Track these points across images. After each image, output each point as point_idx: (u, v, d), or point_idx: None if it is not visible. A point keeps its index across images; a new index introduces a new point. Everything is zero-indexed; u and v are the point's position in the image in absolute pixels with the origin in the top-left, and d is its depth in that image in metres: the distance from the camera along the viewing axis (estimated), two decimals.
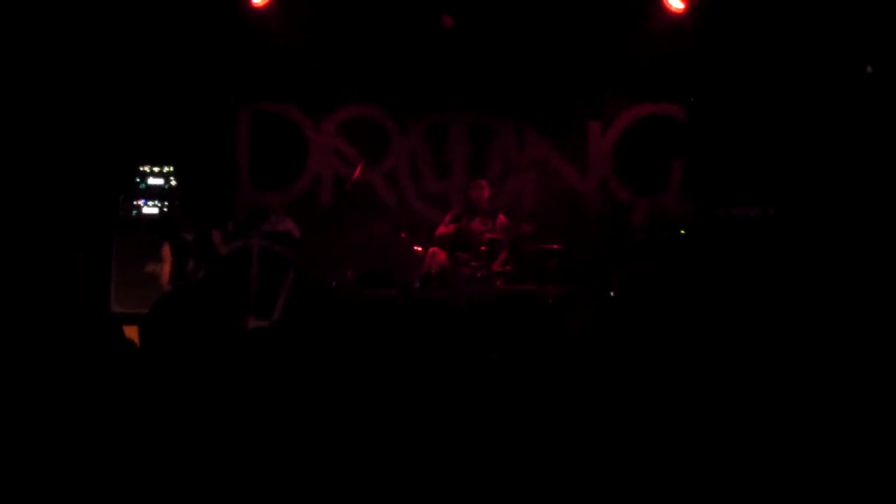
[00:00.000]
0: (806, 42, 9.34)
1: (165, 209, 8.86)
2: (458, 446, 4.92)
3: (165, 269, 8.09)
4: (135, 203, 9.07)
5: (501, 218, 9.53)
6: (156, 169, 9.25)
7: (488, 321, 7.60)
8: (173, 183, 9.25)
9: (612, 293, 9.12)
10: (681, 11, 9.44)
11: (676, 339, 7.13)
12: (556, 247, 9.29)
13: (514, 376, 5.90)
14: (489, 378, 6.10)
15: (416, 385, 5.75)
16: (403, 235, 9.45)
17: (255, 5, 9.51)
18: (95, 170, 9.34)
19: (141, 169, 9.13)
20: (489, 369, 6.47)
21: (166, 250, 8.13)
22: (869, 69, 8.54)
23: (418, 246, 9.40)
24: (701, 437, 5.00)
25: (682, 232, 9.60)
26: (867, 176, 8.63)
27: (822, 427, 5.10)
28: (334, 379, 6.06)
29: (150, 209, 9.09)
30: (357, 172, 9.65)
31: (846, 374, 6.09)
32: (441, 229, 9.52)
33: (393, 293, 8.97)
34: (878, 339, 6.69)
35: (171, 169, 9.28)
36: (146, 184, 9.21)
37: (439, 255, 9.19)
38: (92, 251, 9.08)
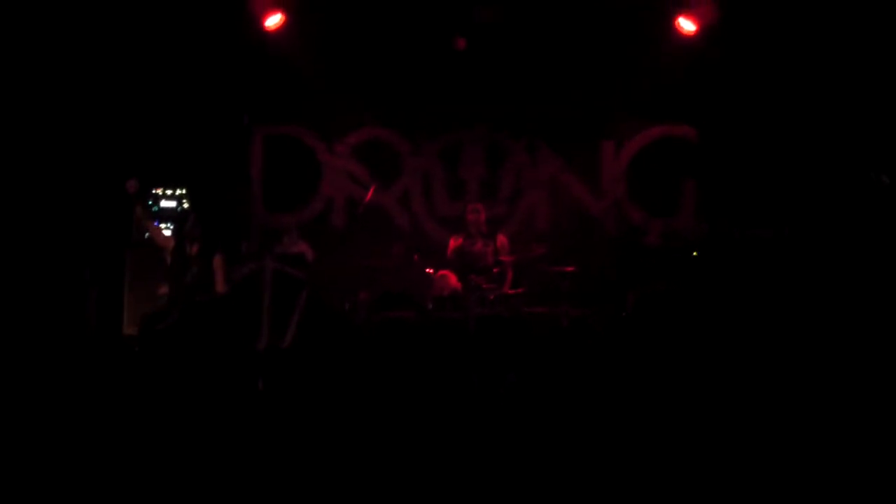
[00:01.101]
0: (819, 63, 9.32)
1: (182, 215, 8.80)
2: (471, 463, 4.91)
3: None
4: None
5: (502, 239, 9.50)
6: (168, 191, 9.27)
7: (502, 343, 7.61)
8: (185, 205, 9.27)
9: (625, 315, 9.08)
10: (693, 34, 9.42)
11: (690, 358, 7.13)
12: (569, 269, 9.24)
13: (528, 398, 5.89)
14: (505, 400, 6.11)
15: (431, 405, 5.75)
16: (416, 258, 9.42)
17: (269, 29, 9.53)
18: (109, 192, 9.35)
19: (154, 192, 9.14)
20: (505, 391, 6.48)
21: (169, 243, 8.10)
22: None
23: (430, 268, 9.37)
24: (717, 454, 4.98)
25: (695, 254, 9.57)
26: (879, 195, 8.58)
27: (843, 440, 5.08)
28: (347, 399, 6.06)
29: (162, 231, 9.10)
30: (370, 195, 9.64)
31: (860, 388, 6.07)
32: (448, 252, 9.54)
33: (408, 315, 8.93)
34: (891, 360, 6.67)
35: (184, 191, 9.30)
36: (158, 206, 9.23)
37: (450, 278, 9.15)
38: (104, 273, 9.09)
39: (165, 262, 8.01)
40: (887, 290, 8.01)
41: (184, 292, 7.78)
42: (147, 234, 8.60)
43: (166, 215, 9.13)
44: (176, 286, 7.85)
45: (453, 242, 9.52)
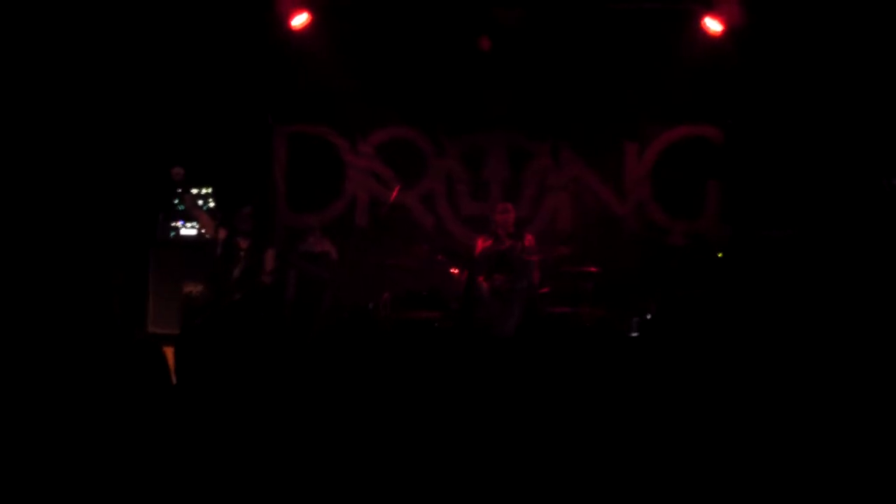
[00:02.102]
0: (842, 65, 9.28)
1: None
2: (487, 463, 4.92)
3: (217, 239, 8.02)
4: (173, 224, 9.12)
5: (529, 239, 9.48)
6: (194, 190, 9.30)
7: (525, 343, 7.58)
8: (211, 204, 9.30)
9: (649, 316, 9.05)
10: (718, 34, 9.40)
11: (715, 360, 7.10)
12: (592, 269, 9.22)
13: (549, 398, 5.87)
14: (531, 400, 6.09)
15: (451, 407, 5.74)
16: (440, 258, 9.42)
17: (294, 28, 9.57)
18: (135, 190, 9.41)
19: (179, 190, 9.18)
20: (530, 391, 6.45)
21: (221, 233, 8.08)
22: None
23: (455, 268, 9.37)
24: (739, 457, 4.97)
25: (720, 255, 9.54)
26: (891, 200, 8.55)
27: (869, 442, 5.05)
28: (366, 397, 6.06)
29: (187, 230, 9.13)
30: (394, 195, 9.66)
31: (882, 390, 6.03)
32: (476, 252, 9.52)
33: (434, 315, 8.96)
34: None
35: (210, 190, 9.34)
36: (185, 205, 9.26)
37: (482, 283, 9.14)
38: (130, 271, 9.14)
39: (214, 254, 7.99)
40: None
41: (231, 286, 7.79)
42: (195, 224, 8.59)
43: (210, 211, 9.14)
44: (223, 279, 7.86)
45: (481, 243, 9.49)
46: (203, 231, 8.30)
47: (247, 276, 7.81)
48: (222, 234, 7.99)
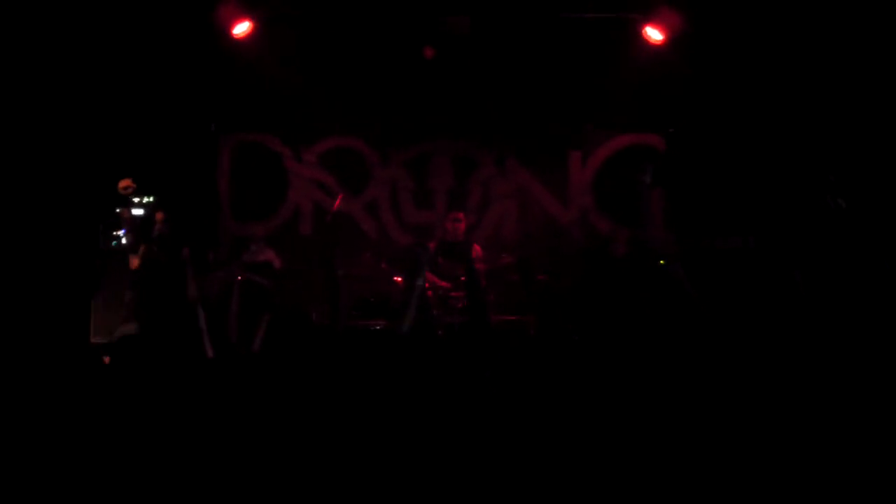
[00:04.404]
0: (784, 71, 9.41)
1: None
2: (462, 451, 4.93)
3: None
4: (114, 233, 9.01)
5: (477, 249, 9.54)
6: (136, 199, 9.19)
7: (470, 349, 7.62)
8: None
9: (592, 325, 9.12)
10: (660, 43, 9.49)
11: (659, 364, 7.16)
12: (539, 277, 9.26)
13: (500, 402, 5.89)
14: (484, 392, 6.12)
15: (406, 411, 5.73)
16: (384, 266, 9.41)
17: (237, 36, 9.52)
18: (77, 199, 9.28)
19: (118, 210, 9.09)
20: (483, 386, 6.49)
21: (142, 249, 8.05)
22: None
23: (398, 276, 9.37)
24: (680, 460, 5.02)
25: (662, 262, 9.61)
26: (848, 203, 8.66)
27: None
28: (324, 404, 6.04)
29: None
30: (337, 203, 9.64)
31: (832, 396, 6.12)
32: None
33: (380, 322, 8.96)
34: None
35: (152, 199, 9.23)
36: (128, 213, 9.15)
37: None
38: (74, 281, 9.01)
39: (131, 266, 7.95)
40: (849, 302, 8.08)
41: (154, 298, 7.72)
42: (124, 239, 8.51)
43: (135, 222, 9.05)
44: (144, 292, 7.80)
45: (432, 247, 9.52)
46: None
47: (169, 287, 7.77)
48: (135, 263, 7.98)
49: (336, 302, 8.99)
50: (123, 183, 7.91)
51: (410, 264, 8.72)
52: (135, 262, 8.10)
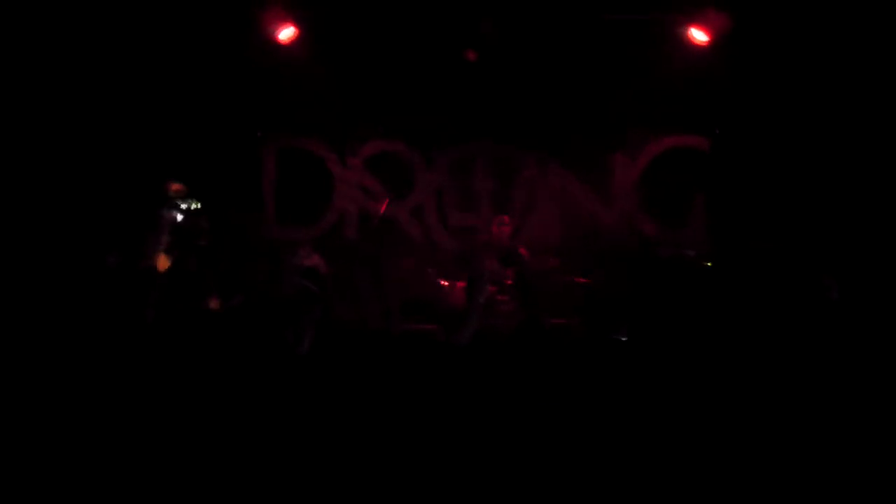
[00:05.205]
0: (829, 73, 9.34)
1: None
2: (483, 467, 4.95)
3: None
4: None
5: (523, 252, 9.52)
6: (183, 205, 9.27)
7: (513, 353, 7.63)
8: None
9: (637, 326, 9.09)
10: (704, 44, 9.44)
11: (702, 367, 7.15)
12: (581, 280, 9.25)
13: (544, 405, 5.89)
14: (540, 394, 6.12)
15: (450, 415, 5.75)
16: (430, 270, 9.43)
17: (282, 42, 9.57)
18: (123, 205, 9.38)
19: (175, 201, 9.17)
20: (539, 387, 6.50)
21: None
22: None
23: (444, 280, 9.39)
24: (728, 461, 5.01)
25: (708, 264, 9.56)
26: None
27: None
28: (367, 407, 6.07)
29: None
30: (384, 207, 9.67)
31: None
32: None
33: (430, 327, 8.99)
34: None
35: (199, 205, 9.30)
36: (174, 215, 9.23)
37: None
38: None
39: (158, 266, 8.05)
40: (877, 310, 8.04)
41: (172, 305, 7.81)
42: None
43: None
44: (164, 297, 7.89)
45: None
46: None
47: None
48: (163, 264, 8.06)
49: (386, 306, 9.03)
50: (175, 187, 8.00)
51: (472, 281, 8.76)
52: (164, 263, 8.15)
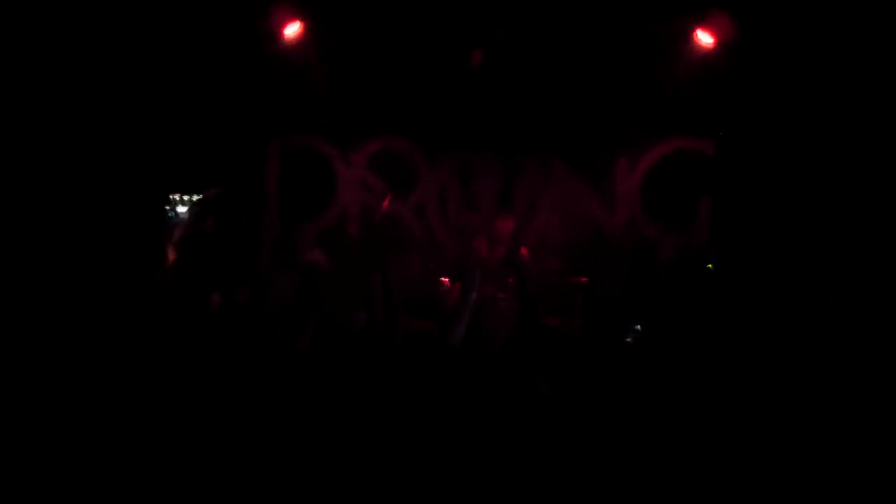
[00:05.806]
0: (836, 75, 9.32)
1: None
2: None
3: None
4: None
5: (524, 251, 9.51)
6: (185, 197, 9.29)
7: (521, 353, 7.60)
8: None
9: (639, 328, 9.06)
10: (710, 46, 9.42)
11: (708, 369, 7.12)
12: (583, 280, 9.24)
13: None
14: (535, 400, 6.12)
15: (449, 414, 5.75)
16: (432, 267, 9.43)
17: (288, 38, 9.58)
18: (126, 199, 9.41)
19: (170, 197, 9.19)
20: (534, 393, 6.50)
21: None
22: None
23: (445, 278, 9.38)
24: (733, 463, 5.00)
25: (710, 266, 9.55)
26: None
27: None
28: (367, 405, 6.07)
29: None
30: (385, 203, 9.67)
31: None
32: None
33: (430, 325, 8.95)
34: None
35: (202, 203, 9.33)
36: (175, 212, 9.26)
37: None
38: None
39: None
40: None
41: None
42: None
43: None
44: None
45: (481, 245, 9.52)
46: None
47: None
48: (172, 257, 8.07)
49: (390, 305, 9.01)
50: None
51: (465, 277, 8.73)
52: (168, 260, 8.17)
